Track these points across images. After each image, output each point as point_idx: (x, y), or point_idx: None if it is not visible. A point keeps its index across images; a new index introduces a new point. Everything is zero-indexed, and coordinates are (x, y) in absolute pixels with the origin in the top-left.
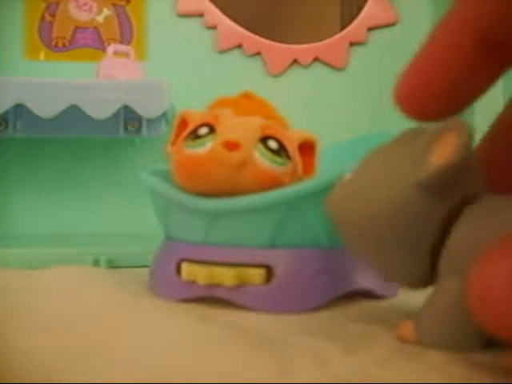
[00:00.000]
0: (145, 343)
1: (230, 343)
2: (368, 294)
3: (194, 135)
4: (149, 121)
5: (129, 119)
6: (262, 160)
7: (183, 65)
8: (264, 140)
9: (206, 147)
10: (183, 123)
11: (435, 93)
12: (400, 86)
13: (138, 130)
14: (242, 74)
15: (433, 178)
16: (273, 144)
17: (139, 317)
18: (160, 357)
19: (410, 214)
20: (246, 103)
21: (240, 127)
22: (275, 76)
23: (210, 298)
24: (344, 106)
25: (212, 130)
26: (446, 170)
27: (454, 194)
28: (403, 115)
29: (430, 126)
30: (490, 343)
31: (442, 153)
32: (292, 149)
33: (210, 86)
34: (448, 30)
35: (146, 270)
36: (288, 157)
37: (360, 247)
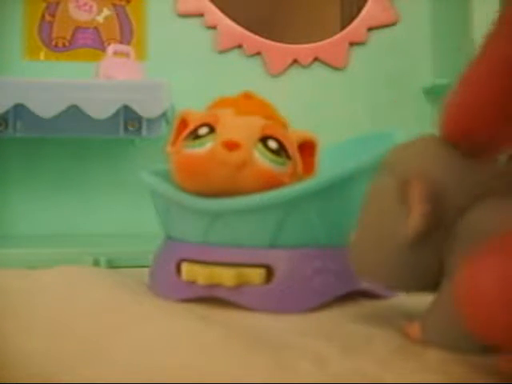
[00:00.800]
0: (145, 343)
1: (229, 343)
2: (368, 294)
3: (194, 135)
4: (149, 121)
5: (129, 119)
6: (262, 160)
7: (183, 65)
8: (264, 140)
9: (205, 147)
10: (183, 123)
11: (485, 118)
12: (449, 115)
13: (138, 130)
14: (242, 74)
15: (413, 238)
16: (273, 144)
17: (139, 317)
18: (160, 357)
19: (409, 266)
20: (246, 103)
21: (240, 127)
22: (275, 76)
23: (210, 298)
24: (344, 105)
25: (212, 130)
26: (421, 228)
27: (443, 224)
28: (453, 142)
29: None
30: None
31: (414, 210)
32: (292, 149)
33: (210, 86)
34: (497, 55)
35: (146, 270)
36: (288, 157)
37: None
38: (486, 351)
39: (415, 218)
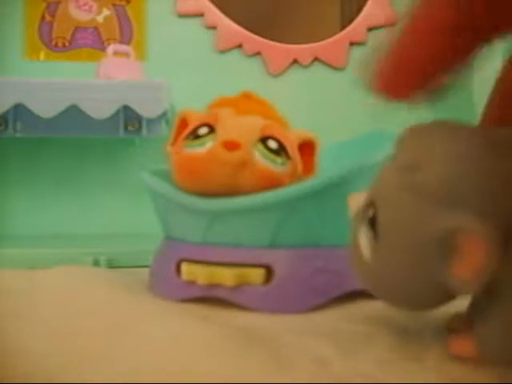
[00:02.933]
0: (145, 343)
1: (229, 343)
2: (367, 294)
3: (194, 135)
4: (149, 121)
5: (129, 119)
6: (262, 160)
7: (183, 65)
8: (264, 140)
9: (205, 147)
10: (183, 123)
11: (417, 71)
12: (382, 68)
13: (138, 130)
14: (242, 74)
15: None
16: (273, 144)
17: (139, 317)
18: (160, 357)
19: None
20: (246, 103)
21: (240, 127)
22: (275, 76)
23: (210, 298)
24: (344, 105)
25: (212, 129)
26: (472, 286)
27: None
28: (383, 96)
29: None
30: None
31: (464, 270)
32: (292, 149)
33: (210, 86)
34: (431, 11)
35: (145, 270)
36: (288, 157)
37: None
38: None
39: (468, 277)
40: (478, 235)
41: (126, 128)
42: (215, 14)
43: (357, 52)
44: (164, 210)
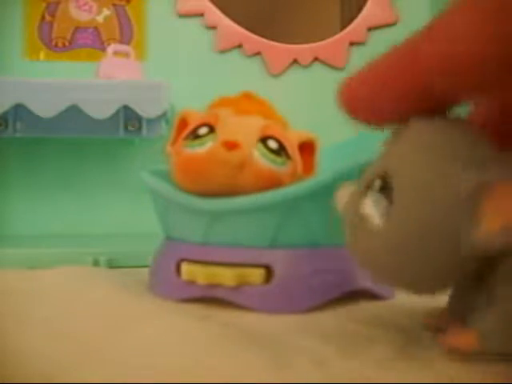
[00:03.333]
0: (145, 343)
1: (229, 343)
2: (367, 294)
3: (194, 135)
4: (149, 121)
5: (129, 119)
6: (262, 160)
7: (183, 65)
8: (264, 140)
9: (205, 147)
10: (183, 123)
11: (392, 98)
12: (354, 87)
13: (138, 130)
14: (242, 74)
15: (486, 250)
16: (273, 144)
17: (139, 317)
18: (160, 357)
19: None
20: (246, 103)
21: (240, 127)
22: (275, 76)
23: (210, 298)
24: None
25: (212, 129)
26: (500, 243)
27: None
28: (350, 116)
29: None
30: None
31: (494, 223)
32: (292, 149)
33: (210, 86)
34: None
35: (145, 270)
36: (288, 157)
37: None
38: None
39: (497, 232)
40: (509, 186)
41: (125, 128)
42: (215, 14)
43: (357, 52)
44: (164, 210)
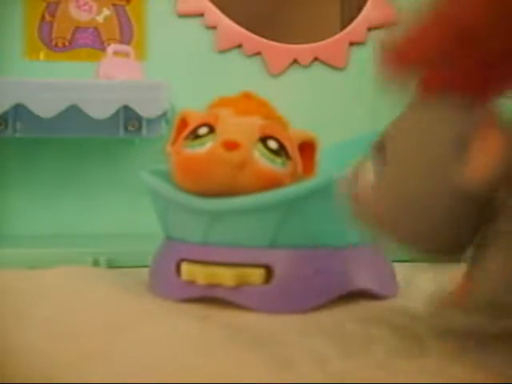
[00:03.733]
0: (145, 343)
1: (229, 343)
2: (368, 294)
3: (194, 135)
4: (149, 121)
5: (129, 119)
6: (262, 160)
7: (183, 65)
8: (264, 140)
9: (205, 147)
10: (183, 123)
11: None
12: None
13: (138, 130)
14: (241, 74)
15: (475, 188)
16: (273, 144)
17: (139, 317)
18: (160, 356)
19: (461, 214)
20: (246, 103)
21: (240, 127)
22: (275, 76)
23: (210, 298)
24: (344, 105)
25: (212, 129)
26: (488, 178)
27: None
28: (391, 69)
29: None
30: None
31: (482, 159)
32: (292, 149)
33: (210, 86)
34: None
35: (145, 270)
36: (288, 157)
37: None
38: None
39: (485, 162)
40: (495, 127)
41: (125, 128)
42: (215, 14)
43: (357, 52)
44: (164, 210)
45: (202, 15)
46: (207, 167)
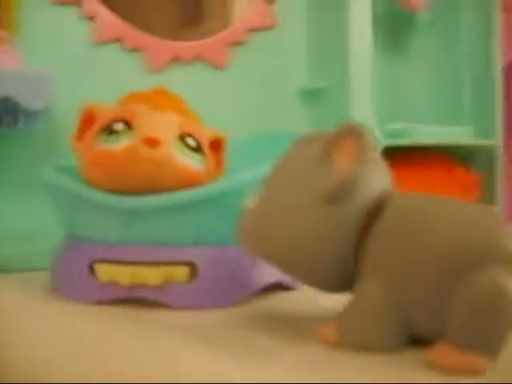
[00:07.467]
0: (76, 348)
1: (180, 342)
2: (284, 287)
3: (109, 130)
4: (28, 113)
5: (4, 111)
6: (182, 157)
7: (58, 56)
8: (182, 137)
9: (122, 143)
10: (90, 118)
11: None
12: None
13: (15, 122)
14: (120, 69)
15: (338, 189)
16: (191, 142)
17: (64, 322)
18: (100, 361)
19: (325, 227)
20: (161, 99)
21: (159, 124)
22: (155, 72)
23: (132, 298)
24: (224, 104)
25: (128, 125)
26: (349, 178)
27: (362, 196)
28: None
29: (323, 133)
30: (414, 341)
31: (342, 162)
32: (205, 146)
33: (87, 79)
34: None
35: (38, 274)
36: (204, 154)
37: (282, 267)
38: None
39: (345, 167)
40: (356, 133)
41: (0, 120)
42: (93, 5)
43: (237, 52)
44: (69, 208)
45: (78, 5)
46: (126, 164)
